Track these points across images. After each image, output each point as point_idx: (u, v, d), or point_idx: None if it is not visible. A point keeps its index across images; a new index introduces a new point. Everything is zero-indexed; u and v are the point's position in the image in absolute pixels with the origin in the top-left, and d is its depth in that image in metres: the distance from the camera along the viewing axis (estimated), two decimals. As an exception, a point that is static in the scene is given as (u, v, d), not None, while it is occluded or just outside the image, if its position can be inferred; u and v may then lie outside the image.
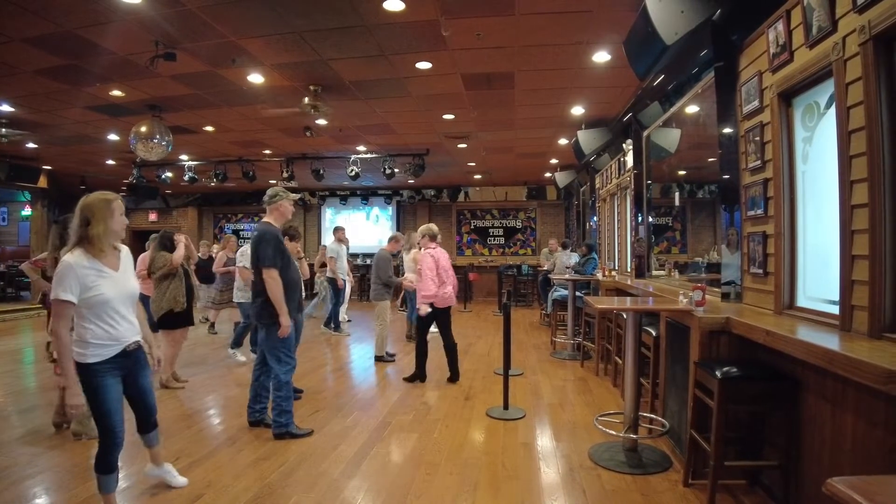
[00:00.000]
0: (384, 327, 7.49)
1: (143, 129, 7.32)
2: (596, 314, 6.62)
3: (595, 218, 11.35)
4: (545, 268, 11.54)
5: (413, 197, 17.14)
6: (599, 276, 8.31)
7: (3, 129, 8.43)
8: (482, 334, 9.73)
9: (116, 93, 6.94)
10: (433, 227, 6.28)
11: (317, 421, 4.88)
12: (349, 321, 11.12)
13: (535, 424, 4.82)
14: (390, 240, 7.95)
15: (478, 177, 14.96)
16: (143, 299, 10.37)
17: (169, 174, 12.17)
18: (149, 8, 4.60)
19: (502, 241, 16.76)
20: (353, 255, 15.50)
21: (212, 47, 5.52)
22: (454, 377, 6.25)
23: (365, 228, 17.32)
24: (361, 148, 10.73)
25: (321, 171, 11.42)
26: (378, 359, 7.48)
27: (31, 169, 12.92)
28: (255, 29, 5.13)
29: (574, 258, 10.04)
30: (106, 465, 2.90)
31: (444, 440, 4.45)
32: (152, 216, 19.09)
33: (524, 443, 4.38)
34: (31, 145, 10.21)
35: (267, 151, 11.05)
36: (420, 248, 6.34)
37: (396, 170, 10.86)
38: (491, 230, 16.82)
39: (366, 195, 17.26)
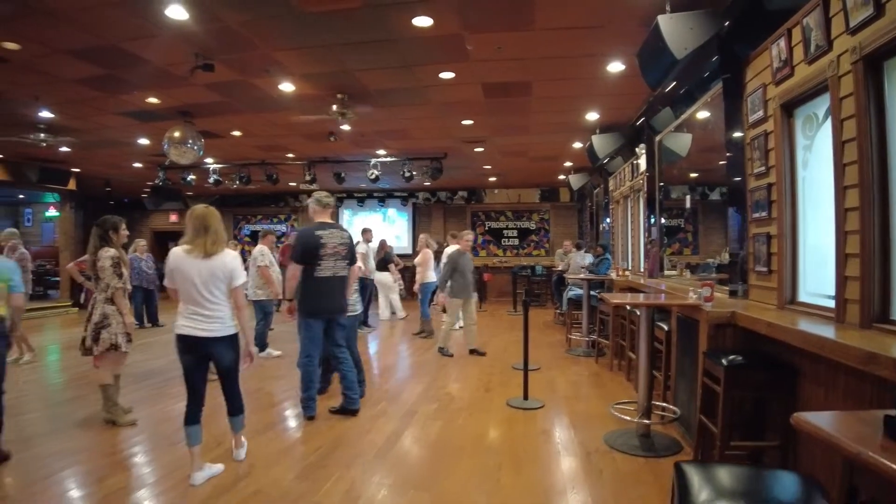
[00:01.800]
0: (450, 324, 7.91)
1: (177, 134, 7.68)
2: (611, 311, 6.89)
3: (608, 219, 11.62)
4: (559, 268, 11.81)
5: (428, 199, 17.47)
6: (613, 275, 8.60)
7: (42, 134, 8.83)
8: (498, 332, 10.03)
9: (152, 100, 7.31)
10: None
11: (348, 410, 5.21)
12: (405, 317, 11.65)
13: (552, 414, 5.12)
14: (456, 238, 8.42)
15: (492, 179, 15.26)
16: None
17: (192, 176, 12.55)
18: (192, 23, 4.95)
19: (516, 242, 17.04)
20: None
21: (246, 58, 5.87)
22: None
23: (382, 230, 17.64)
24: (381, 152, 11.06)
25: (342, 175, 11.75)
26: (440, 350, 7.95)
27: (61, 172, 13.36)
28: (288, 42, 5.47)
29: (588, 258, 10.33)
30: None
31: (468, 427, 4.77)
32: (173, 217, 19.52)
33: (543, 430, 4.68)
34: (63, 149, 10.61)
35: (290, 155, 11.41)
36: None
37: (414, 173, 11.19)
38: (505, 231, 17.10)
39: (382, 197, 17.60)
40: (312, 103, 7.32)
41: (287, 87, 6.72)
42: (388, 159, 11.32)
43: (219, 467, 3.76)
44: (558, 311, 11.45)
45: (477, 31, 5.19)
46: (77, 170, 13.63)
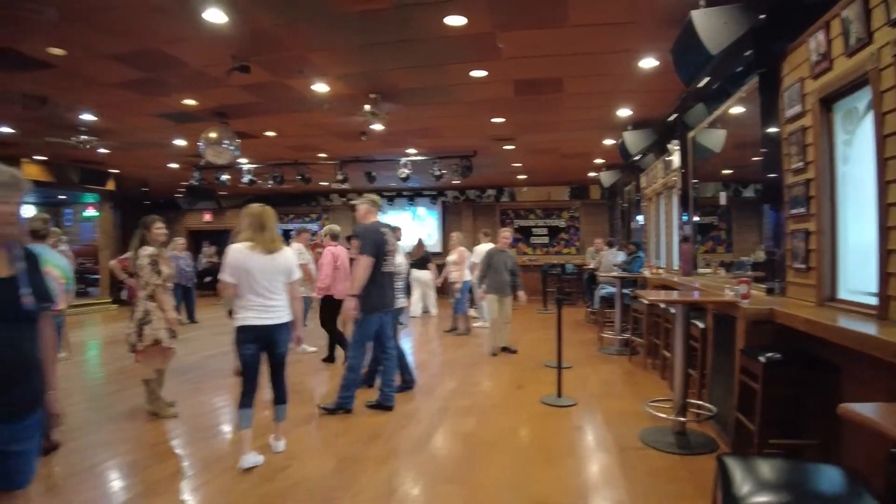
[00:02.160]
0: (494, 321, 7.92)
1: (213, 134, 7.86)
2: (645, 309, 6.85)
3: (640, 217, 11.52)
4: (591, 266, 11.75)
5: (457, 197, 17.51)
6: (646, 273, 8.54)
7: (83, 136, 9.10)
8: (528, 330, 10.02)
9: (189, 101, 7.49)
10: (335, 227, 7.59)
11: (382, 405, 5.29)
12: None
13: (586, 411, 5.12)
14: (489, 236, 8.61)
15: (522, 177, 15.23)
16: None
17: (226, 176, 12.79)
18: (230, 26, 5.07)
19: (546, 240, 16.98)
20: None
21: (281, 60, 5.99)
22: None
23: (411, 228, 17.75)
24: (411, 150, 11.15)
25: (373, 174, 11.87)
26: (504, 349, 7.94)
27: (100, 172, 13.74)
28: (321, 43, 5.57)
29: (620, 256, 10.25)
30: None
31: (501, 423, 4.80)
32: (207, 216, 19.89)
33: (577, 426, 4.70)
34: (102, 150, 10.90)
35: (321, 154, 11.57)
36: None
37: (444, 171, 11.24)
38: (534, 229, 17.06)
39: (411, 196, 17.69)
40: (345, 103, 7.42)
41: (320, 87, 6.83)
42: (419, 158, 11.40)
43: (261, 458, 3.87)
44: (590, 309, 11.39)
45: (509, 29, 5.21)
46: (115, 171, 14.00)
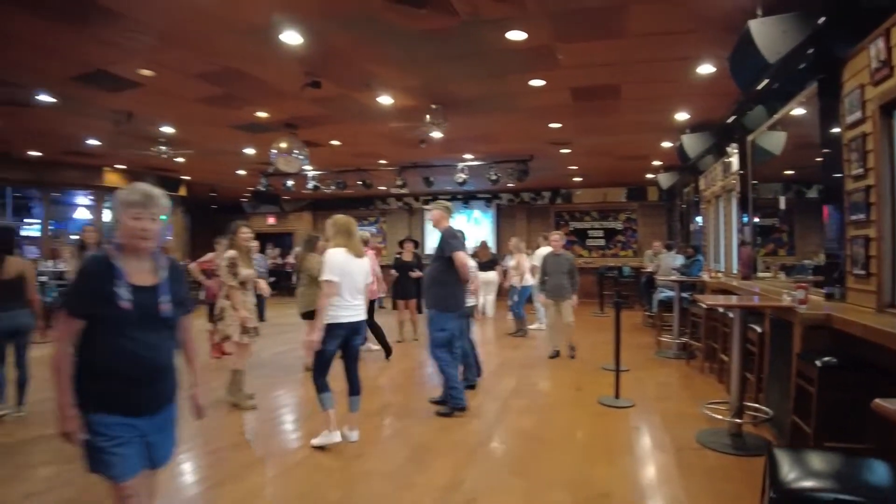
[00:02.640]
0: (551, 325, 8.08)
1: (283, 144, 8.30)
2: (703, 313, 6.88)
3: (699, 219, 11.42)
4: (649, 269, 11.72)
5: (512, 200, 17.62)
6: (705, 277, 8.52)
7: (162, 147, 9.72)
8: (585, 334, 10.07)
9: (261, 114, 7.96)
10: (365, 233, 7.31)
11: (445, 403, 5.55)
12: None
13: (643, 412, 5.25)
14: (547, 240, 8.64)
15: (577, 179, 15.23)
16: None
17: (291, 182, 13.34)
18: (305, 46, 5.43)
19: (602, 242, 16.90)
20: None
21: (349, 74, 6.34)
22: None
23: (467, 231, 17.95)
24: (468, 156, 11.40)
25: (430, 178, 12.17)
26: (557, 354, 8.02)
27: (174, 179, 14.55)
28: (388, 58, 5.87)
29: (679, 260, 10.19)
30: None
31: (561, 422, 4.99)
32: (270, 220, 20.64)
33: (635, 426, 4.84)
34: (178, 159, 11.56)
35: (382, 161, 11.96)
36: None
37: (500, 175, 11.43)
38: (590, 232, 17.00)
39: (466, 199, 17.92)
40: (408, 113, 7.73)
41: (385, 99, 7.16)
42: (475, 163, 11.64)
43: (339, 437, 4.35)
44: (647, 313, 11.36)
45: (568, 41, 5.38)
46: (187, 177, 14.79)
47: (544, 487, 3.61)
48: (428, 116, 7.34)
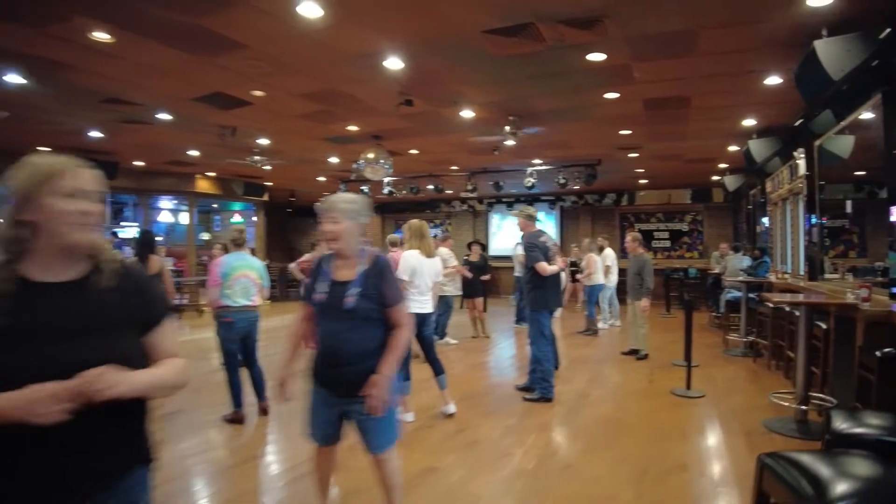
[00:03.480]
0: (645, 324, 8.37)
1: (371, 154, 9.05)
2: (770, 312, 7.19)
3: (766, 221, 11.57)
4: (716, 271, 11.93)
5: (576, 202, 17.91)
6: (772, 278, 8.77)
7: (257, 157, 10.64)
8: (653, 333, 10.36)
9: (352, 127, 8.73)
10: (395, 236, 8.03)
11: (527, 390, 6.12)
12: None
13: (713, 402, 5.69)
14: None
15: (643, 181, 15.47)
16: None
17: (366, 188, 14.14)
18: (404, 71, 6.11)
19: (668, 244, 17.02)
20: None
21: (439, 93, 7.00)
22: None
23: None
24: (537, 161, 11.92)
25: (500, 183, 12.76)
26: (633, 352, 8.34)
27: (259, 185, 15.63)
28: (475, 78, 6.50)
29: (746, 261, 10.41)
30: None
31: (637, 408, 5.49)
32: (343, 222, 21.55)
33: (706, 413, 5.30)
34: (266, 167, 12.51)
35: (454, 167, 12.62)
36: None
37: (567, 178, 11.89)
38: (655, 233, 17.13)
39: (530, 201, 18.22)
40: (487, 125, 8.34)
41: (467, 113, 7.80)
42: (544, 167, 12.16)
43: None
44: (714, 314, 11.58)
45: (644, 60, 5.86)
46: (270, 183, 15.83)
47: (628, 458, 4.13)
48: (507, 128, 7.92)
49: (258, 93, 7.02)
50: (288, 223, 21.77)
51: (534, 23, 4.88)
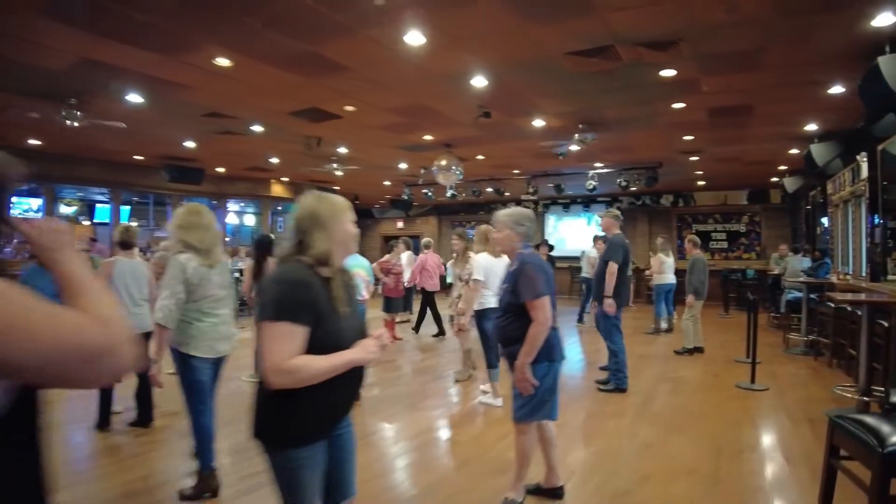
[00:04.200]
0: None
1: (443, 162, 9.68)
2: (831, 312, 7.45)
3: (826, 222, 11.70)
4: (776, 272, 12.10)
5: (633, 203, 18.02)
6: (833, 279, 8.99)
7: (334, 164, 11.37)
8: (712, 333, 10.64)
9: (427, 137, 9.36)
10: (429, 240, 9.52)
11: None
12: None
13: (777, 394, 6.10)
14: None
15: (700, 183, 15.64)
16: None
17: (424, 190, 14.80)
18: (486, 88, 6.70)
19: (725, 245, 17.07)
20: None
21: (516, 106, 7.58)
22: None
23: (587, 234, 18.65)
24: (598, 164, 12.34)
25: (561, 186, 13.23)
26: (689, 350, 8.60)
27: (329, 190, 16.32)
28: (553, 92, 7.03)
29: (806, 262, 10.59)
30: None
31: (705, 399, 5.93)
32: (399, 223, 22.31)
33: (771, 404, 5.71)
34: (338, 173, 13.24)
35: (515, 171, 13.15)
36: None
37: (628, 181, 12.25)
38: (713, 234, 17.18)
39: (586, 202, 18.50)
40: (556, 132, 8.86)
41: (538, 122, 8.33)
42: (605, 170, 12.57)
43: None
44: (773, 314, 11.76)
45: (712, 75, 6.29)
46: (338, 188, 16.61)
47: (700, 441, 4.61)
48: (576, 135, 8.40)
49: (350, 108, 7.71)
50: (348, 224, 22.58)
51: (613, 45, 5.39)
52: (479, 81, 6.46)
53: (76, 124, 7.56)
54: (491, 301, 5.52)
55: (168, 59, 5.94)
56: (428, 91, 6.96)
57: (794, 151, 10.66)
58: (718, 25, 4.97)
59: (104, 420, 4.85)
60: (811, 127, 8.81)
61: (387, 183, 15.26)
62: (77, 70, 6.25)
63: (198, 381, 3.34)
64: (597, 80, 6.48)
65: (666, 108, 7.62)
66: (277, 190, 15.57)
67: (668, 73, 6.17)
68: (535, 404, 3.20)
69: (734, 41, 5.34)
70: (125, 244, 4.92)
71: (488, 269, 5.52)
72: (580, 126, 8.41)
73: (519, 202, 19.44)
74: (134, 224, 5.13)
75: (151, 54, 5.79)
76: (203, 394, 3.39)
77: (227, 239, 15.75)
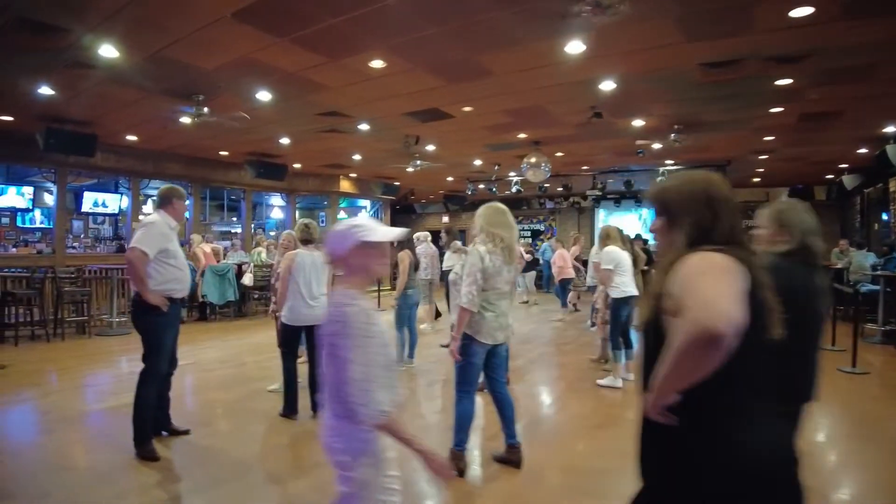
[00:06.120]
0: None
1: (533, 159, 10.18)
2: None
3: (885, 216, 12.10)
4: (838, 266, 12.50)
5: (681, 198, 18.33)
6: (905, 272, 9.44)
7: (419, 162, 11.78)
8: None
9: (521, 135, 9.84)
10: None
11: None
12: None
13: (876, 377, 6.70)
14: None
15: (756, 180, 15.93)
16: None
17: (492, 187, 15.25)
18: (609, 92, 7.16)
19: (770, 239, 17.15)
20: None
21: (627, 108, 8.04)
22: None
23: (638, 229, 18.93)
24: (669, 161, 12.71)
25: (631, 181, 13.69)
26: None
27: (394, 186, 16.95)
28: (664, 98, 7.49)
29: (871, 258, 11.02)
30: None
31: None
32: (445, 218, 22.68)
33: (877, 384, 6.30)
34: (409, 169, 13.43)
35: (584, 167, 13.60)
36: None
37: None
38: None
39: (637, 197, 18.77)
40: (650, 132, 9.33)
41: (638, 122, 8.82)
42: (676, 168, 12.96)
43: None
44: (837, 307, 12.13)
45: (821, 85, 6.76)
46: (398, 183, 17.03)
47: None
48: (672, 136, 8.85)
49: (468, 108, 8.09)
50: (395, 218, 23.09)
51: (746, 58, 5.86)
52: (607, 86, 6.91)
53: (197, 120, 7.76)
54: (631, 289, 6.11)
55: (327, 62, 6.11)
56: (549, 94, 7.39)
57: (863, 151, 10.99)
58: (848, 46, 5.45)
59: (291, 408, 5.09)
60: (889, 129, 9.20)
61: (450, 178, 15.67)
62: (224, 69, 6.34)
63: (473, 363, 3.73)
64: (711, 89, 6.94)
65: (763, 112, 8.06)
66: (345, 186, 16.04)
67: (783, 82, 6.62)
68: None
69: (854, 58, 5.80)
70: (306, 241, 5.25)
71: (620, 260, 6.08)
72: (675, 126, 8.83)
73: (568, 196, 19.90)
74: (313, 221, 5.51)
75: (314, 55, 5.94)
76: (473, 375, 3.78)
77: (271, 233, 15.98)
